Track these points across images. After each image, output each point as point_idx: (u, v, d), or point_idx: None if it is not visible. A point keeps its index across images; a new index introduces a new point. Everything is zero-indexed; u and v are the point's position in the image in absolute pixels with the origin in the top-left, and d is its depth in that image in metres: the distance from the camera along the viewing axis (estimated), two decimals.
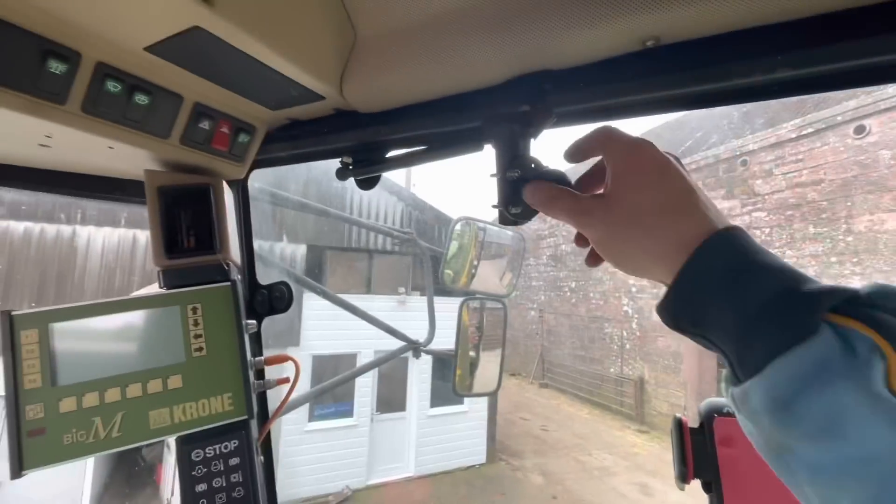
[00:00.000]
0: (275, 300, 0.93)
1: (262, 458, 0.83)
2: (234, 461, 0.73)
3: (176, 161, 0.73)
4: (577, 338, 15.28)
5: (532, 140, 0.57)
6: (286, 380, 0.86)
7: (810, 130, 8.71)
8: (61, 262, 7.80)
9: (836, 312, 0.33)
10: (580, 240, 0.51)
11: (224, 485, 0.72)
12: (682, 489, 0.77)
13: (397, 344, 2.89)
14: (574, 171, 0.54)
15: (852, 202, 8.06)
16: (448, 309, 3.37)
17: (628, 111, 0.60)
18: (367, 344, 9.21)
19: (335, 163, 0.84)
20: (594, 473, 9.94)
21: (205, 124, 0.68)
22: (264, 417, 0.91)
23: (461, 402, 10.84)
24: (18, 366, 0.62)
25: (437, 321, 3.06)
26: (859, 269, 7.89)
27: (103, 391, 0.65)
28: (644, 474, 9.78)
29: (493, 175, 0.56)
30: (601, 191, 0.47)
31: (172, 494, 7.54)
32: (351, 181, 0.83)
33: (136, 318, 0.69)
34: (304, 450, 9.00)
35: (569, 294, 15.90)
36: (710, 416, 0.76)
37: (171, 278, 0.75)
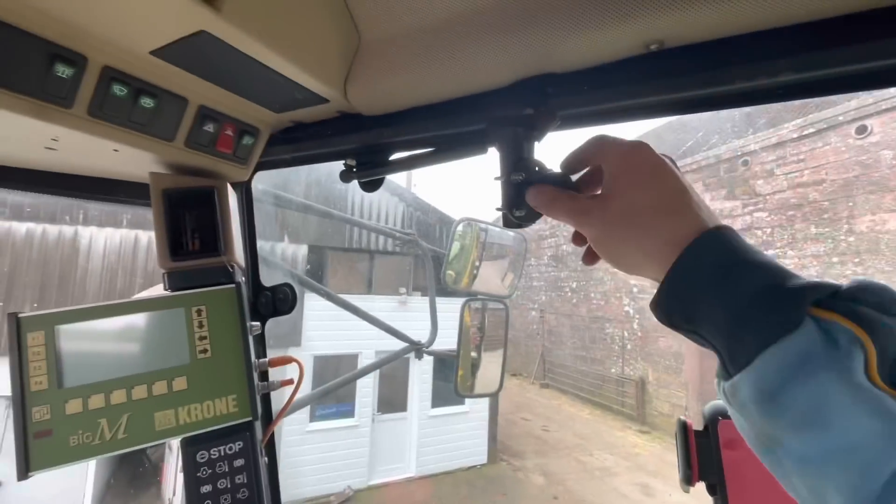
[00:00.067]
0: (278, 302, 0.93)
1: (266, 459, 0.83)
2: (238, 462, 0.73)
3: (181, 163, 0.73)
4: (579, 338, 15.27)
5: (536, 143, 0.57)
6: (290, 381, 0.86)
7: (812, 130, 8.70)
8: (63, 263, 7.81)
9: (819, 307, 0.35)
10: (577, 238, 0.53)
11: (229, 486, 0.72)
12: (687, 492, 0.78)
13: (399, 344, 2.89)
14: None
15: (854, 202, 8.05)
16: (449, 309, 3.38)
17: (632, 114, 0.60)
18: (369, 344, 9.23)
19: (337, 164, 0.84)
20: (595, 474, 9.93)
21: (209, 127, 0.68)
22: (268, 419, 0.92)
23: (462, 403, 10.84)
24: (25, 368, 0.62)
25: (438, 322, 3.06)
26: (861, 269, 7.88)
27: (109, 393, 0.66)
28: (645, 475, 9.77)
29: (497, 178, 0.56)
30: (599, 192, 0.48)
31: (174, 494, 7.54)
32: (354, 183, 0.83)
33: (141, 320, 0.70)
34: (305, 450, 9.01)
35: (570, 294, 15.89)
36: (715, 419, 0.77)
37: (175, 280, 0.75)
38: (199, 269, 0.76)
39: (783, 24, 0.45)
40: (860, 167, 7.99)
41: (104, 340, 0.68)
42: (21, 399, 0.62)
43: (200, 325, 0.72)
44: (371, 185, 0.82)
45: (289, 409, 0.91)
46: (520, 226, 0.56)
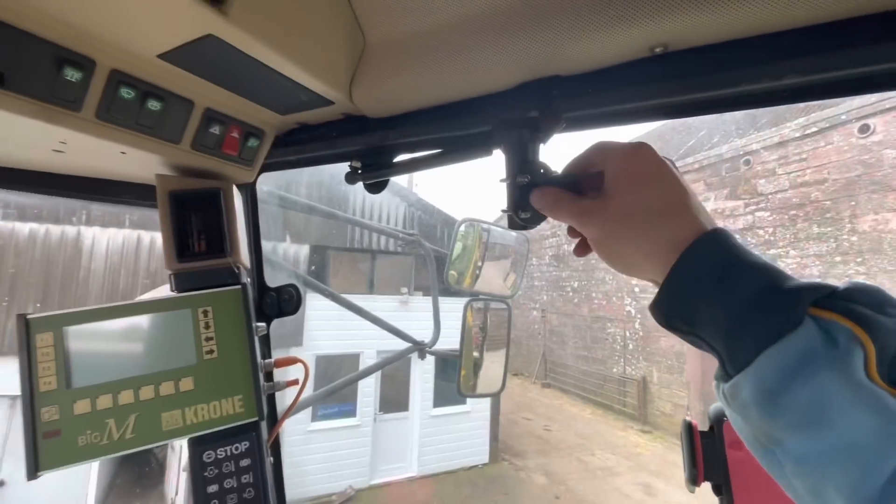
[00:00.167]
0: (283, 303, 0.94)
1: (271, 458, 0.83)
2: (244, 462, 0.74)
3: (187, 165, 0.74)
4: (580, 338, 15.27)
5: (541, 145, 0.57)
6: (295, 381, 0.87)
7: (814, 130, 8.68)
8: (66, 263, 7.84)
9: (817, 307, 0.35)
10: (572, 231, 0.53)
11: (235, 486, 0.73)
12: (693, 492, 0.78)
13: (400, 344, 2.89)
14: None
15: (856, 202, 8.03)
16: (452, 309, 3.38)
17: (636, 116, 0.60)
18: (370, 344, 9.24)
19: (338, 165, 0.85)
20: (597, 473, 9.93)
21: (215, 129, 0.69)
22: (273, 419, 0.92)
23: (464, 402, 10.84)
24: (34, 368, 0.63)
25: (441, 321, 3.06)
26: (863, 268, 7.86)
27: (117, 393, 0.66)
28: (647, 474, 9.76)
29: (502, 180, 0.56)
30: (599, 193, 0.48)
31: (177, 494, 7.56)
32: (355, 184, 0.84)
33: (148, 321, 0.70)
34: (307, 450, 9.02)
35: (571, 294, 15.89)
36: (720, 420, 0.77)
37: (182, 281, 0.76)
38: (205, 270, 0.77)
39: (787, 28, 0.46)
40: (863, 166, 7.97)
41: (112, 341, 0.68)
42: (30, 399, 0.62)
43: (207, 326, 0.73)
44: (376, 187, 0.83)
45: (294, 409, 0.91)
46: (525, 227, 0.56)
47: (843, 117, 8.22)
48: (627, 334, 13.24)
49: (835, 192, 8.37)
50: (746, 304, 0.37)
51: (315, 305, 8.71)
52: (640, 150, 0.46)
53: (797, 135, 8.98)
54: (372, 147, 0.77)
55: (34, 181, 0.79)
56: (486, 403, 10.91)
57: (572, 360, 15.64)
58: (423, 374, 10.51)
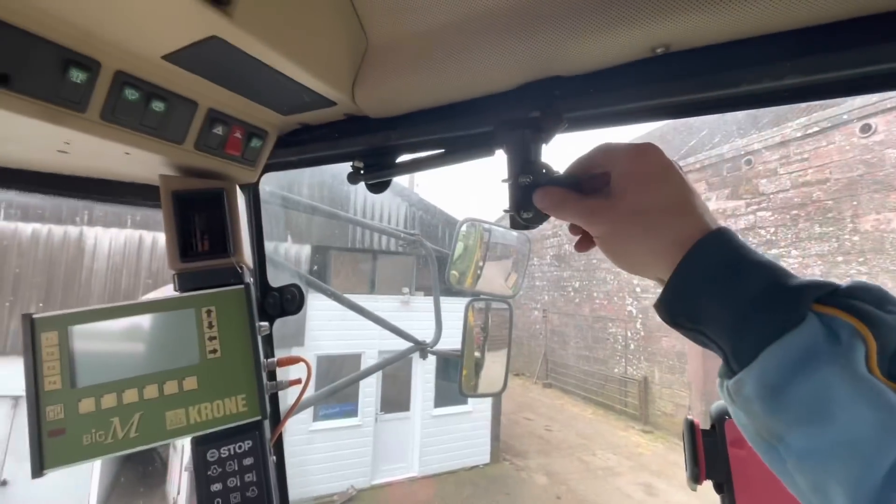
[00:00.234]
0: (286, 302, 0.94)
1: (274, 458, 0.84)
2: (248, 461, 0.74)
3: (190, 166, 0.74)
4: (581, 338, 15.26)
5: (543, 145, 0.57)
6: (298, 381, 0.87)
7: (816, 129, 8.67)
8: (69, 263, 7.86)
9: (820, 303, 0.36)
10: (574, 228, 0.54)
11: (238, 484, 0.73)
12: (695, 490, 0.78)
13: (402, 344, 2.90)
14: None
15: (858, 201, 8.02)
16: (453, 309, 3.38)
17: (638, 117, 0.60)
18: (371, 344, 9.25)
19: (340, 165, 0.85)
20: (598, 473, 9.92)
21: (218, 130, 0.69)
22: (276, 418, 0.92)
23: (465, 403, 10.85)
24: (39, 368, 0.63)
25: (442, 321, 3.06)
26: (865, 268, 7.85)
27: (121, 392, 0.67)
28: (648, 474, 9.75)
29: (504, 180, 0.57)
30: (604, 192, 0.49)
31: (179, 493, 7.58)
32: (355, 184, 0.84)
33: (152, 321, 0.71)
34: (309, 450, 9.03)
35: (572, 294, 15.88)
36: (722, 418, 0.77)
37: (185, 281, 0.76)
38: (209, 269, 0.77)
39: (788, 28, 0.46)
40: (864, 166, 7.96)
41: (116, 341, 0.69)
42: (35, 398, 0.63)
43: (210, 326, 0.73)
44: (378, 187, 0.83)
45: (296, 408, 0.91)
46: (527, 227, 0.56)
47: (845, 117, 8.21)
48: (629, 334, 13.23)
49: (836, 192, 8.36)
50: (750, 301, 0.37)
51: (317, 306, 8.71)
52: (647, 150, 0.46)
53: (799, 134, 8.97)
54: (374, 147, 0.78)
55: (38, 182, 0.80)
56: (487, 403, 10.91)
57: (574, 361, 15.63)
58: (424, 374, 10.51)
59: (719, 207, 10.39)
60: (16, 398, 7.12)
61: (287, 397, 1.00)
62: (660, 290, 0.45)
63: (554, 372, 16.69)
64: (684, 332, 0.43)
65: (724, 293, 0.39)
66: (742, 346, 0.37)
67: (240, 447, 0.74)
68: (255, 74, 0.58)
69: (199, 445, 0.73)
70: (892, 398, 0.32)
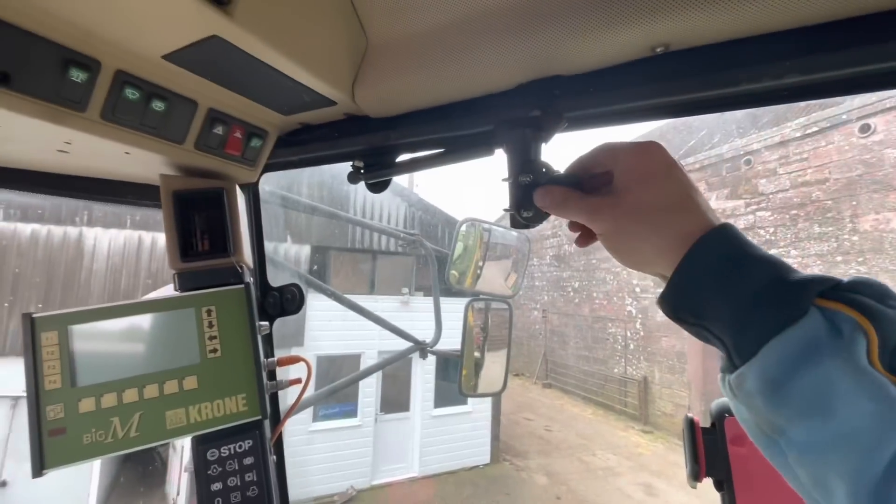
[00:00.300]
0: (286, 302, 0.94)
1: (274, 457, 0.84)
2: (248, 461, 0.74)
3: (190, 165, 0.74)
4: (581, 338, 15.26)
5: (543, 144, 0.57)
6: (298, 380, 0.87)
7: (815, 129, 8.68)
8: (68, 264, 7.86)
9: (822, 298, 0.36)
10: (574, 225, 0.54)
11: (238, 484, 0.73)
12: (695, 487, 0.78)
13: (402, 344, 2.90)
14: None
15: (857, 201, 8.02)
16: (452, 310, 3.38)
17: (638, 116, 0.60)
18: (371, 344, 9.25)
19: (340, 165, 0.85)
20: (598, 474, 9.92)
21: (218, 129, 0.69)
22: (276, 418, 0.92)
23: (465, 403, 10.84)
24: (39, 367, 0.63)
25: (442, 322, 3.06)
26: (865, 268, 7.85)
27: (121, 392, 0.67)
28: (648, 474, 9.75)
29: (504, 179, 0.57)
30: (606, 190, 0.49)
31: (178, 494, 7.57)
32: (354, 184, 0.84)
33: (152, 320, 0.71)
34: (309, 450, 9.03)
35: (572, 294, 15.88)
36: (722, 416, 0.78)
37: (185, 281, 0.76)
38: (209, 269, 0.77)
39: (788, 27, 0.46)
40: (864, 166, 7.96)
41: (116, 340, 0.69)
42: (35, 398, 0.63)
43: (210, 325, 0.73)
44: (378, 187, 0.83)
45: (296, 408, 0.92)
46: (527, 226, 0.56)
47: (844, 117, 8.21)
48: (628, 334, 13.23)
49: (836, 192, 8.36)
50: (753, 296, 0.37)
51: (316, 306, 8.71)
52: (649, 148, 0.47)
53: (798, 134, 8.97)
54: (374, 147, 0.78)
55: (39, 181, 0.80)
56: (487, 404, 10.91)
57: (573, 361, 15.63)
58: (424, 375, 10.51)
59: (719, 207, 10.39)
60: (15, 398, 7.12)
61: (287, 397, 1.00)
62: (661, 289, 0.45)
63: (554, 372, 16.69)
64: (687, 327, 0.43)
65: (726, 288, 0.39)
66: (744, 340, 0.37)
67: (240, 447, 0.74)
68: (256, 74, 0.58)
69: (200, 445, 0.73)
70: (893, 391, 0.32)
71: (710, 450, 0.77)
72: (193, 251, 0.77)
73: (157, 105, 0.60)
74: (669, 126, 15.18)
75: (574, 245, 0.57)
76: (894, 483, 0.29)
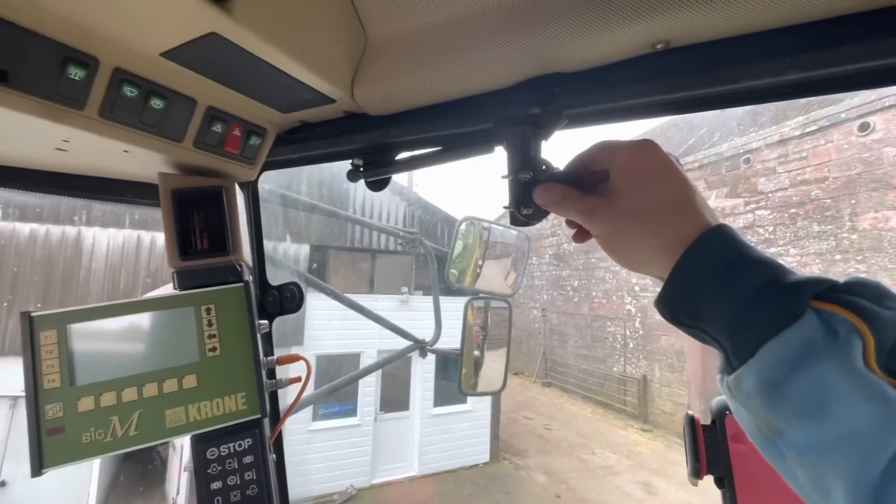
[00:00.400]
0: (285, 301, 0.94)
1: (274, 456, 0.84)
2: (247, 459, 0.74)
3: (189, 164, 0.74)
4: (580, 337, 15.27)
5: (543, 142, 0.57)
6: (297, 379, 0.87)
7: (814, 128, 8.68)
8: (67, 263, 7.85)
9: (819, 299, 0.36)
10: (571, 222, 0.54)
11: (238, 482, 0.73)
12: (696, 485, 0.79)
13: (401, 343, 2.90)
14: None
15: (856, 200, 8.03)
16: (452, 308, 3.38)
17: (638, 113, 0.60)
18: (371, 344, 9.25)
19: (339, 163, 0.85)
20: (598, 472, 9.94)
21: (217, 127, 0.69)
22: (276, 416, 0.92)
23: (464, 402, 10.86)
24: (38, 366, 0.63)
25: (441, 320, 3.06)
26: (864, 266, 7.86)
27: (120, 391, 0.67)
28: (648, 473, 9.77)
29: (504, 177, 0.57)
30: (604, 189, 0.49)
31: (178, 493, 7.57)
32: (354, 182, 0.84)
33: (151, 319, 0.71)
34: (308, 449, 9.03)
35: (571, 293, 15.88)
36: (723, 414, 0.78)
37: (185, 279, 0.76)
38: (208, 268, 0.77)
39: (788, 24, 0.46)
40: (863, 164, 7.97)
41: (115, 339, 0.69)
42: (34, 397, 0.63)
43: (210, 324, 0.73)
44: (378, 185, 0.83)
45: (296, 406, 0.91)
46: (527, 224, 0.56)
47: (843, 115, 8.22)
48: (628, 333, 13.25)
49: (835, 191, 8.37)
50: (749, 297, 0.37)
51: (316, 305, 8.72)
52: (645, 147, 0.47)
53: (797, 133, 8.98)
54: (374, 145, 0.77)
55: (37, 180, 0.80)
56: (486, 402, 10.92)
57: (573, 359, 15.65)
58: (423, 374, 10.51)
59: (718, 206, 10.40)
60: (14, 398, 7.11)
61: (287, 396, 0.99)
62: (659, 288, 0.45)
63: (553, 371, 16.70)
64: (684, 329, 0.43)
65: (722, 290, 0.39)
66: (741, 342, 0.38)
67: (239, 445, 0.74)
68: (255, 72, 0.58)
69: (199, 443, 0.73)
70: (889, 392, 0.32)
71: (710, 447, 0.77)
72: (192, 250, 0.76)
73: (156, 103, 0.60)
74: (670, 123, 15.18)
75: (573, 244, 0.57)
76: (892, 483, 0.30)
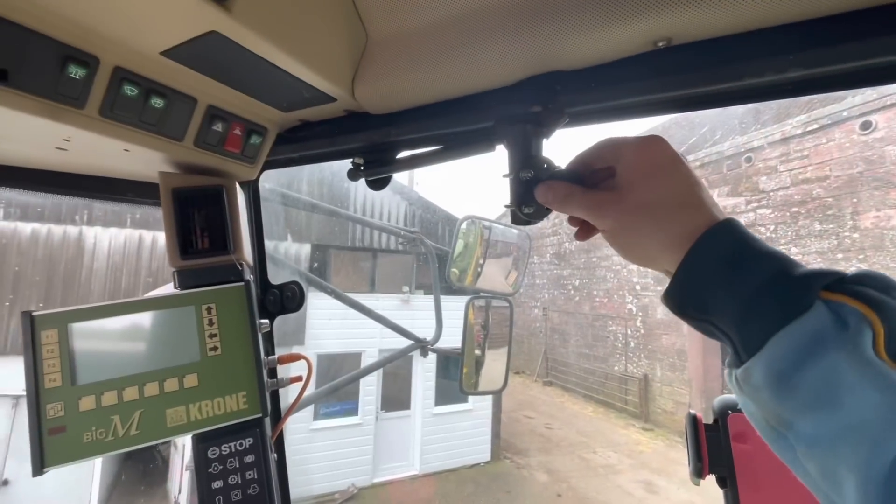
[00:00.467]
0: (286, 300, 0.94)
1: (275, 455, 0.84)
2: (248, 459, 0.74)
3: (190, 163, 0.74)
4: (582, 336, 15.26)
5: (544, 140, 0.57)
6: (299, 378, 0.87)
7: (816, 126, 8.65)
8: (68, 263, 7.86)
9: (827, 290, 0.36)
10: (573, 219, 0.54)
11: (239, 482, 0.73)
12: (698, 484, 0.78)
13: (402, 342, 2.90)
14: None
15: (858, 198, 8.01)
16: (453, 307, 3.38)
17: (640, 111, 0.60)
18: (371, 343, 9.26)
19: (340, 162, 0.85)
20: (599, 471, 9.94)
21: (218, 126, 0.69)
22: (277, 416, 0.92)
23: (465, 401, 10.86)
24: (39, 365, 0.63)
25: (443, 320, 3.06)
26: (865, 265, 7.84)
27: (122, 390, 0.67)
28: (649, 472, 9.77)
29: (505, 175, 0.56)
30: (609, 185, 0.49)
31: (180, 492, 7.59)
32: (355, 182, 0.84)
33: (152, 318, 0.71)
34: (310, 448, 9.04)
35: (572, 292, 15.88)
36: (724, 413, 0.77)
37: (185, 278, 0.76)
38: (209, 267, 0.77)
39: (791, 21, 0.45)
40: (865, 163, 7.94)
41: (116, 338, 0.69)
42: (35, 396, 0.63)
43: (210, 323, 0.73)
44: (378, 184, 0.83)
45: (297, 405, 0.91)
46: (528, 222, 0.56)
47: (845, 114, 8.19)
48: (629, 332, 13.23)
49: (836, 189, 8.35)
50: (758, 290, 0.37)
51: (317, 304, 8.72)
52: (653, 142, 0.46)
53: (799, 132, 8.95)
54: (374, 143, 0.77)
55: (37, 180, 0.80)
56: (487, 401, 10.92)
57: (574, 358, 15.64)
58: (424, 373, 10.52)
59: (719, 205, 10.37)
60: (16, 398, 7.13)
61: (288, 395, 0.99)
62: (662, 287, 0.45)
63: (554, 370, 16.70)
64: (693, 322, 0.43)
65: (730, 283, 0.39)
66: (750, 334, 0.37)
67: (241, 444, 0.74)
68: (255, 70, 0.58)
69: (200, 443, 0.73)
70: None
71: (713, 446, 0.77)
72: (193, 249, 0.76)
73: (156, 102, 0.60)
74: (671, 121, 15.15)
75: (574, 242, 0.56)
76: None
